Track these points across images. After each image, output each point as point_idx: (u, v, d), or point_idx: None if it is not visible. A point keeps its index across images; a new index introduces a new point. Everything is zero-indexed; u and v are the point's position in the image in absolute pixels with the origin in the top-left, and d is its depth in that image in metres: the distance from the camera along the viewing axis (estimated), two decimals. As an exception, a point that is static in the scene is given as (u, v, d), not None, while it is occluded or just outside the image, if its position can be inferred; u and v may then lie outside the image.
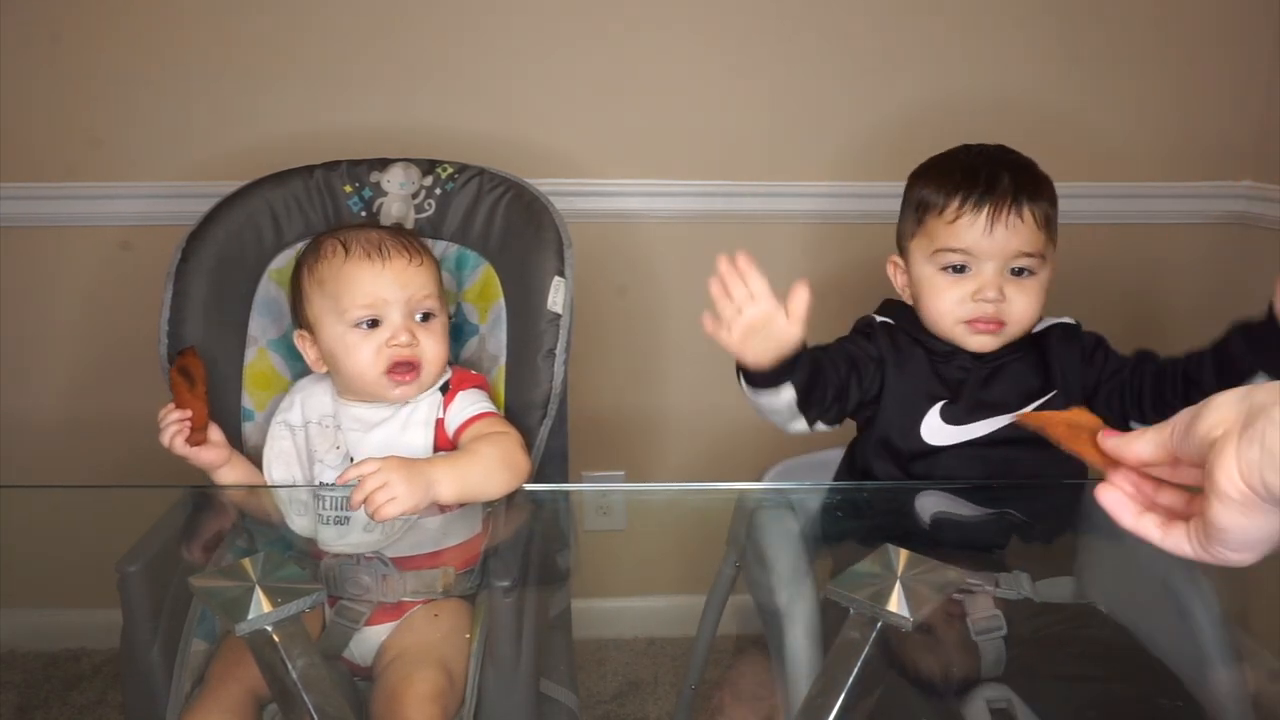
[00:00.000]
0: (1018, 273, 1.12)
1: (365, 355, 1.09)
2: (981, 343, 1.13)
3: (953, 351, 1.16)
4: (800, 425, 1.13)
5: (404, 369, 1.09)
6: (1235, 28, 1.66)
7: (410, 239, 1.16)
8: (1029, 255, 1.12)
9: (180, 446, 1.08)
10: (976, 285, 1.11)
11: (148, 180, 1.62)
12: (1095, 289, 1.70)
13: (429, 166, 1.29)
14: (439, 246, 1.27)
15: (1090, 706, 1.00)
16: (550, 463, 1.24)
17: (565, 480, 1.31)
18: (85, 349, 1.71)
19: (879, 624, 0.85)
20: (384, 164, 1.29)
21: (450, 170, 1.28)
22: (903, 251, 1.20)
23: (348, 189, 1.28)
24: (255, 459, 1.17)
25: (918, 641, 0.99)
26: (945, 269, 1.13)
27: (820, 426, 1.15)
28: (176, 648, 1.01)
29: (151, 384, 1.21)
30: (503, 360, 1.21)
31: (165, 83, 1.59)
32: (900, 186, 1.65)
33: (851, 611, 0.87)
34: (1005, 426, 1.14)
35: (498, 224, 1.25)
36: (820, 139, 1.67)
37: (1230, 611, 1.04)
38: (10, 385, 1.71)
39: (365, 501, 0.95)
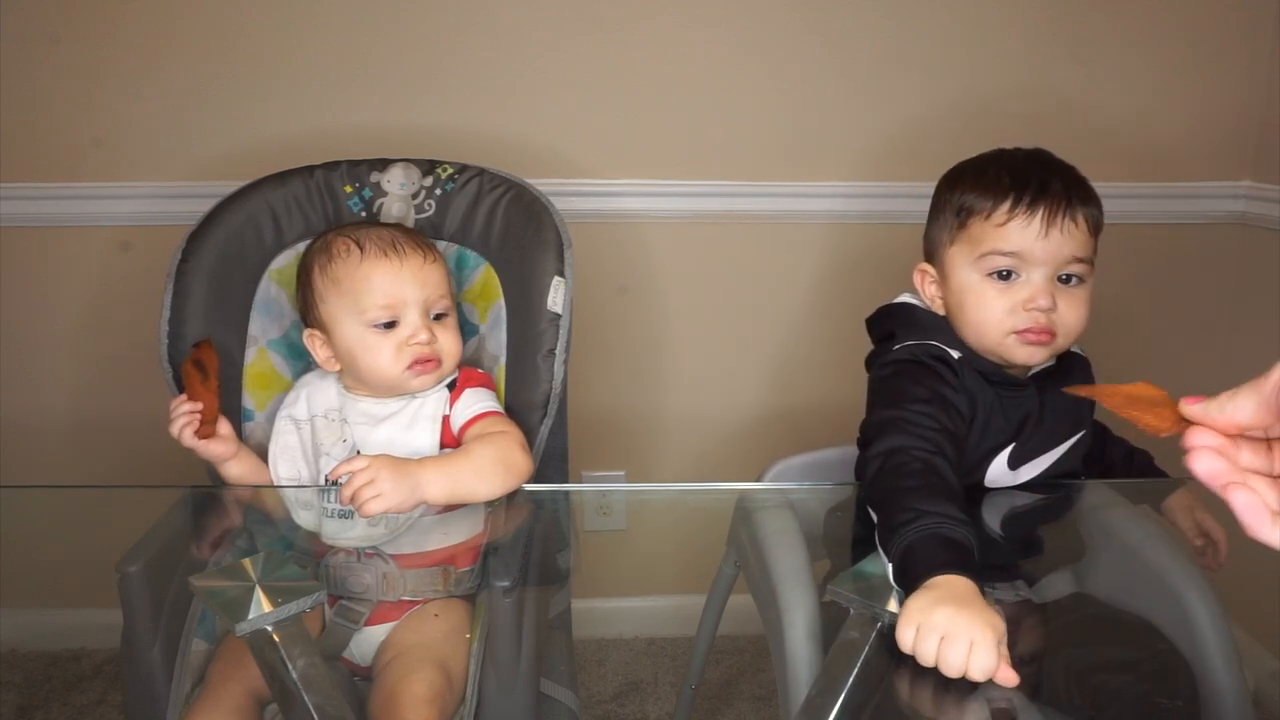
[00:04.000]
0: (1066, 280, 1.07)
1: (386, 355, 1.10)
2: (1031, 354, 1.07)
3: (1018, 384, 1.09)
4: None
5: (425, 363, 1.11)
6: (1235, 27, 1.66)
7: (419, 236, 1.17)
8: (1081, 261, 1.06)
9: (189, 438, 1.09)
10: (1027, 294, 1.05)
11: (148, 180, 1.62)
12: (1095, 289, 1.70)
13: (429, 167, 1.29)
14: (438, 247, 1.27)
15: (1092, 697, 1.01)
16: (550, 463, 1.24)
17: (565, 480, 1.31)
18: (85, 349, 1.71)
19: (879, 624, 0.85)
20: (384, 164, 1.29)
21: (450, 170, 1.29)
22: (933, 259, 1.14)
23: (348, 189, 1.28)
24: (258, 457, 1.17)
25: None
26: (991, 275, 1.06)
27: None
28: (177, 648, 1.01)
29: (152, 384, 1.21)
30: (503, 360, 1.21)
31: (165, 83, 1.59)
32: (903, 187, 1.67)
33: (851, 611, 0.87)
34: (1050, 466, 1.11)
35: (498, 224, 1.25)
36: (822, 140, 1.67)
37: (1230, 611, 1.04)
38: (10, 385, 1.71)
39: (353, 497, 0.98)
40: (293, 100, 1.60)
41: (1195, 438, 0.55)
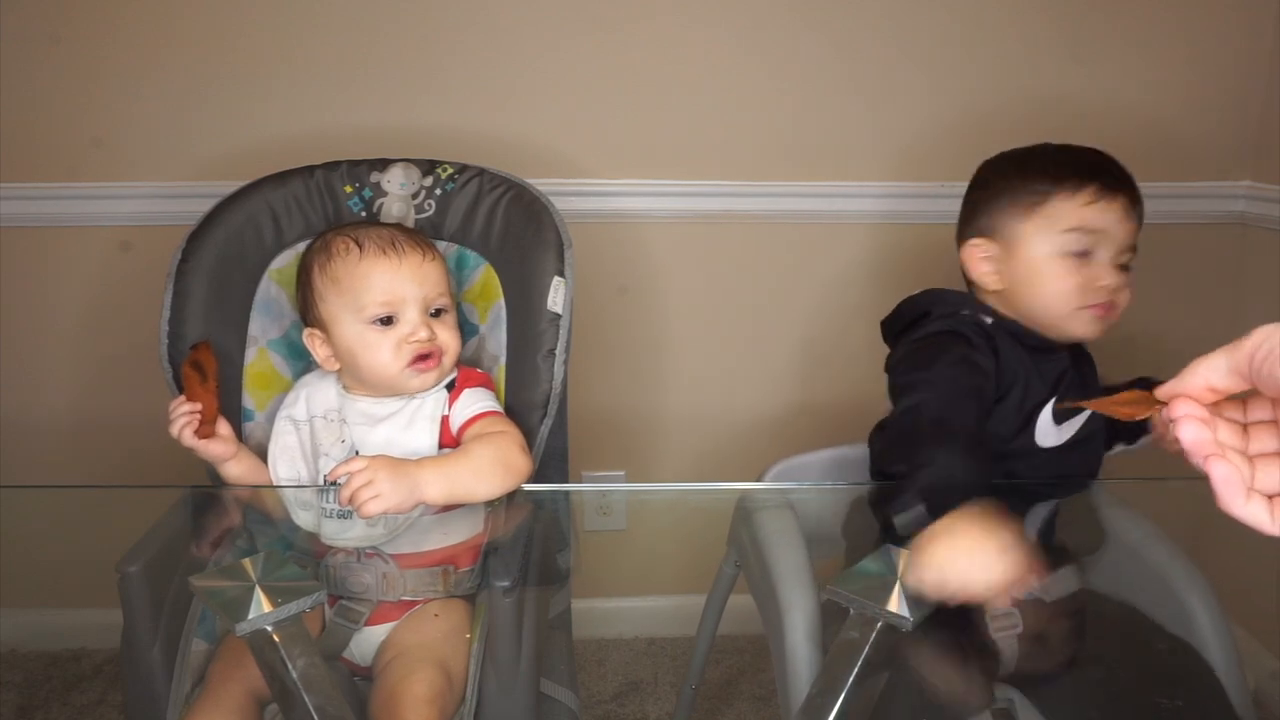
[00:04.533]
0: (1122, 267, 1.14)
1: (385, 352, 1.10)
2: (1094, 329, 1.13)
3: (1049, 347, 1.15)
4: None
5: (425, 359, 1.11)
6: (1235, 27, 1.66)
7: (418, 235, 1.17)
8: (1133, 250, 1.14)
9: (189, 438, 1.09)
10: (1099, 272, 1.11)
11: (148, 180, 1.62)
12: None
13: (429, 167, 1.29)
14: (438, 247, 1.27)
15: (1094, 699, 1.01)
16: (550, 463, 1.24)
17: (565, 480, 1.31)
18: (85, 349, 1.71)
19: (879, 624, 0.85)
20: (384, 164, 1.29)
21: (450, 170, 1.29)
22: (993, 236, 1.17)
23: (348, 189, 1.28)
24: (258, 457, 1.17)
25: (934, 640, 0.99)
26: (1066, 254, 1.11)
27: None
28: (177, 648, 1.01)
29: (152, 384, 1.21)
30: (503, 360, 1.21)
31: (165, 83, 1.59)
32: (904, 187, 1.67)
33: (851, 611, 0.87)
34: (1086, 422, 1.16)
35: (498, 224, 1.25)
36: (822, 140, 1.67)
37: (1230, 611, 1.04)
38: (10, 385, 1.71)
39: (351, 498, 0.97)
40: (293, 100, 1.60)
41: (1179, 407, 0.56)
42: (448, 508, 1.07)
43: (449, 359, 1.13)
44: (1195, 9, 1.64)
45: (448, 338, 1.13)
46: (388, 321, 1.10)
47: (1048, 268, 1.12)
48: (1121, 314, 1.14)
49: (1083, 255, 1.11)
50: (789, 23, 1.62)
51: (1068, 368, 1.16)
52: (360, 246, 1.12)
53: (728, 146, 1.66)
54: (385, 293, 1.10)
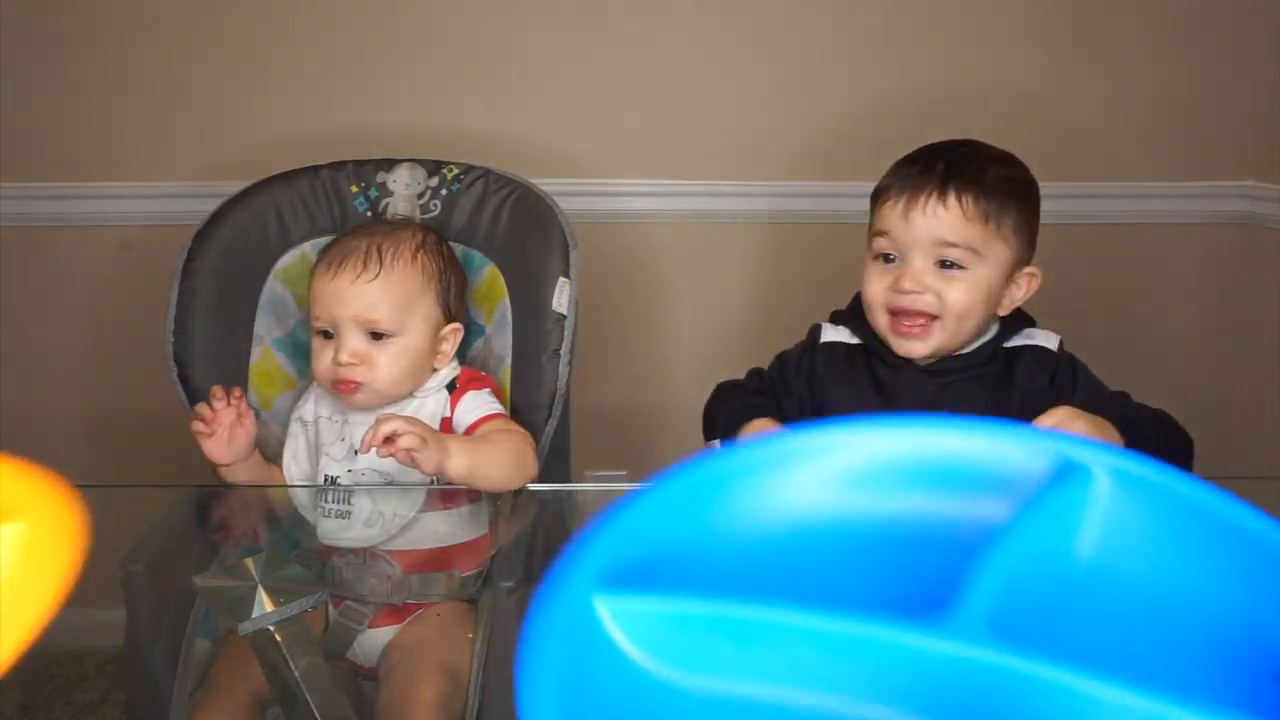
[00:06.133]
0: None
1: (323, 364, 1.10)
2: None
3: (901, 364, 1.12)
4: None
5: (345, 385, 1.09)
6: (1237, 26, 1.66)
7: (386, 249, 1.13)
8: (953, 245, 1.06)
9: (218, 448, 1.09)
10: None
11: (148, 180, 1.62)
12: (1097, 289, 1.70)
13: (435, 167, 1.29)
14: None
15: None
16: (553, 462, 1.24)
17: (568, 480, 1.31)
18: (86, 349, 1.71)
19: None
20: (390, 164, 1.29)
21: (456, 171, 1.28)
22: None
23: (354, 189, 1.28)
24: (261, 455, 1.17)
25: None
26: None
27: None
28: (179, 647, 1.01)
29: (154, 385, 1.21)
30: (508, 360, 1.21)
31: (165, 83, 1.59)
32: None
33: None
34: None
35: (503, 225, 1.25)
36: (825, 140, 1.67)
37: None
38: (11, 385, 1.71)
39: (387, 441, 0.95)
40: (294, 100, 1.60)
41: None
42: (450, 504, 1.07)
43: (377, 387, 1.10)
44: (1197, 7, 1.64)
45: (382, 364, 1.09)
46: (330, 335, 1.10)
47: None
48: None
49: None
50: (793, 23, 1.62)
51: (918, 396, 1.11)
52: (322, 258, 1.13)
53: (731, 146, 1.66)
54: (321, 308, 1.11)
